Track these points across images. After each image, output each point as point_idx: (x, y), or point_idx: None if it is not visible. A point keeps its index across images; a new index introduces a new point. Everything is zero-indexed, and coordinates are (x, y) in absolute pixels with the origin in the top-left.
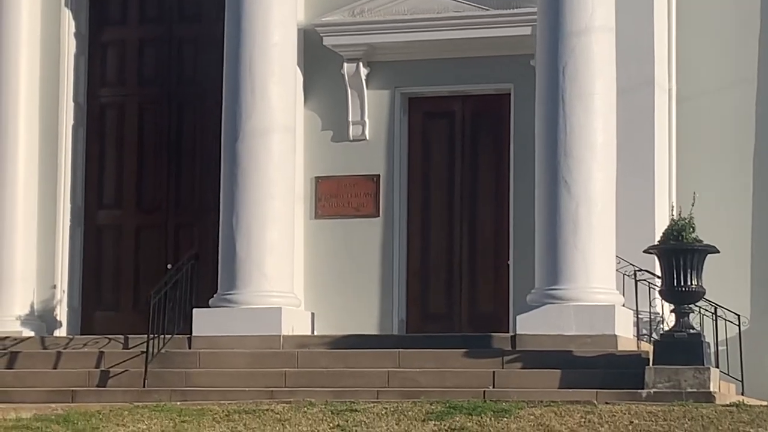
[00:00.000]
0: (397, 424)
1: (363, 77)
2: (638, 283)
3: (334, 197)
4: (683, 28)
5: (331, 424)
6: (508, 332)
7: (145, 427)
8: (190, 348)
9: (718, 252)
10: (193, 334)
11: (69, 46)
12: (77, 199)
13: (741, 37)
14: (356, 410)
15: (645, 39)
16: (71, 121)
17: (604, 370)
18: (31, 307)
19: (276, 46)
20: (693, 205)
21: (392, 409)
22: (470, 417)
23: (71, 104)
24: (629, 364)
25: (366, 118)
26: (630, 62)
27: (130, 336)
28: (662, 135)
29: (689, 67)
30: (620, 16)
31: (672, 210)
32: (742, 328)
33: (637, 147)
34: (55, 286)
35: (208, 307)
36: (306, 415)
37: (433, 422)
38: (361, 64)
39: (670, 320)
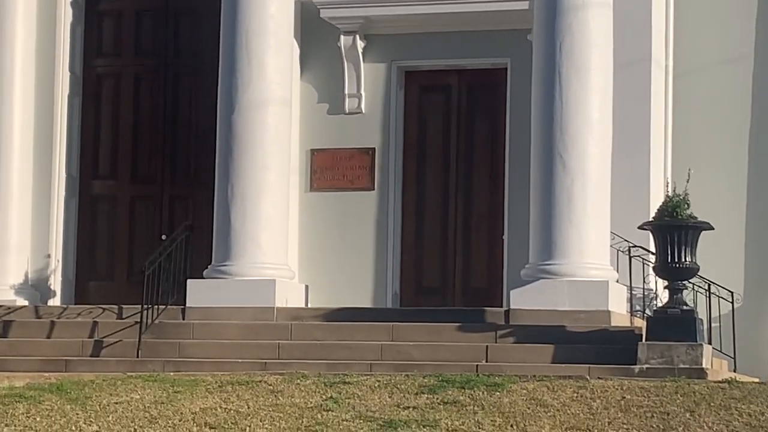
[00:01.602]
0: (389, 397)
1: (360, 50)
2: (632, 259)
3: (329, 170)
4: (681, 3)
5: (323, 396)
6: (501, 307)
7: (138, 396)
8: (183, 319)
9: (713, 229)
10: (187, 305)
11: (65, 15)
12: (72, 170)
13: (738, 13)
14: (349, 383)
15: (642, 14)
16: (67, 91)
17: (597, 346)
18: (26, 276)
19: (273, 18)
20: (688, 182)
21: (385, 382)
22: (463, 391)
23: (67, 74)
24: (622, 339)
25: (362, 92)
26: (627, 38)
27: (124, 306)
28: (658, 111)
29: (686, 43)
30: None
31: (667, 186)
32: (735, 306)
33: (633, 123)
34: (49, 256)
35: (203, 278)
36: (299, 387)
37: (426, 395)
38: (357, 37)
39: (664, 296)
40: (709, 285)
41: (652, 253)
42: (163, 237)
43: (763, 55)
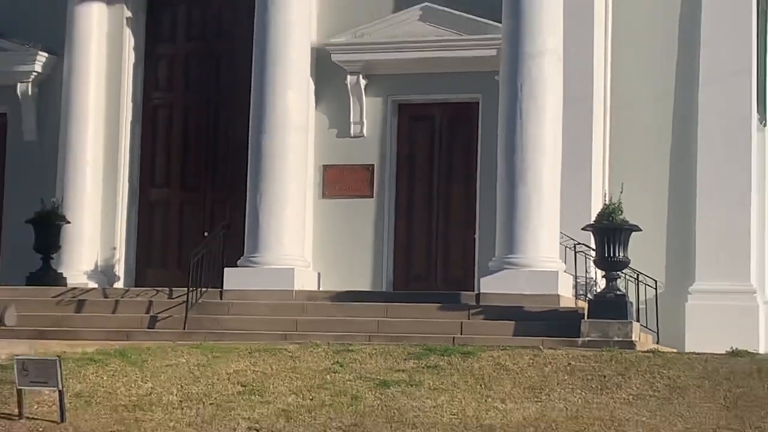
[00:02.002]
0: (384, 362)
1: (362, 87)
2: (577, 254)
3: (338, 182)
4: (617, 51)
5: (331, 361)
6: (473, 291)
7: (184, 360)
8: (221, 299)
9: (641, 230)
10: (224, 288)
11: (129, 57)
12: (133, 180)
13: (662, 60)
14: (352, 350)
15: (586, 60)
16: (129, 118)
17: (549, 322)
18: (95, 264)
19: (294, 61)
20: (621, 193)
21: (381, 350)
22: (442, 357)
23: (130, 104)
24: (568, 318)
25: (364, 120)
26: (574, 79)
27: (174, 288)
28: (598, 138)
29: (621, 83)
30: (567, 41)
31: (605, 197)
32: (658, 291)
33: (579, 147)
34: (114, 248)
35: (236, 266)
36: (312, 354)
37: (413, 361)
38: (360, 77)
39: (602, 284)
40: (637, 275)
41: (593, 249)
42: (206, 234)
43: (681, 94)
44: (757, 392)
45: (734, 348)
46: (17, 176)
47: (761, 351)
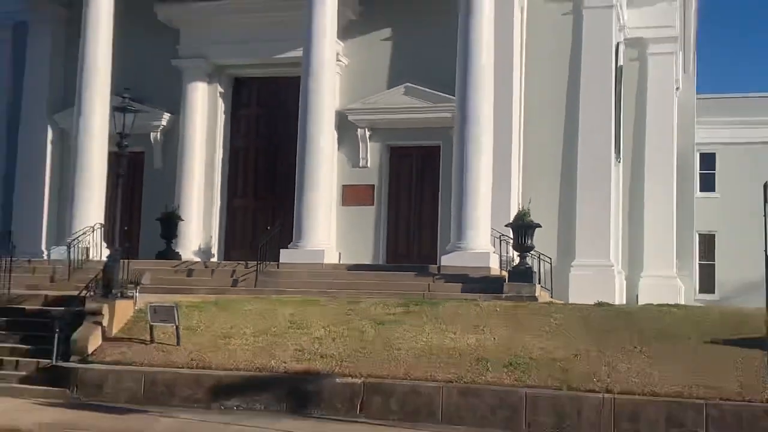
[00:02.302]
0: (380, 309)
1: (367, 136)
2: (501, 241)
3: (352, 195)
4: (527, 112)
5: (347, 309)
6: (436, 264)
7: (254, 307)
8: (278, 269)
9: (541, 227)
10: (280, 261)
11: (221, 114)
12: (223, 194)
13: (556, 117)
14: (359, 302)
15: (507, 118)
16: (221, 155)
17: (484, 284)
18: (199, 246)
19: (324, 120)
20: (529, 203)
21: (379, 302)
22: (417, 306)
23: (221, 146)
24: (496, 281)
25: (368, 157)
26: (499, 130)
27: (249, 262)
28: (515, 167)
29: (529, 133)
30: (495, 105)
31: (519, 206)
32: (552, 265)
33: (502, 174)
34: (211, 236)
35: (288, 248)
36: (335, 304)
37: (399, 308)
38: (366, 129)
39: (517, 261)
40: (539, 255)
41: (511, 239)
42: (268, 227)
43: (568, 138)
44: (612, 326)
45: (599, 300)
46: (150, 191)
47: (616, 303)
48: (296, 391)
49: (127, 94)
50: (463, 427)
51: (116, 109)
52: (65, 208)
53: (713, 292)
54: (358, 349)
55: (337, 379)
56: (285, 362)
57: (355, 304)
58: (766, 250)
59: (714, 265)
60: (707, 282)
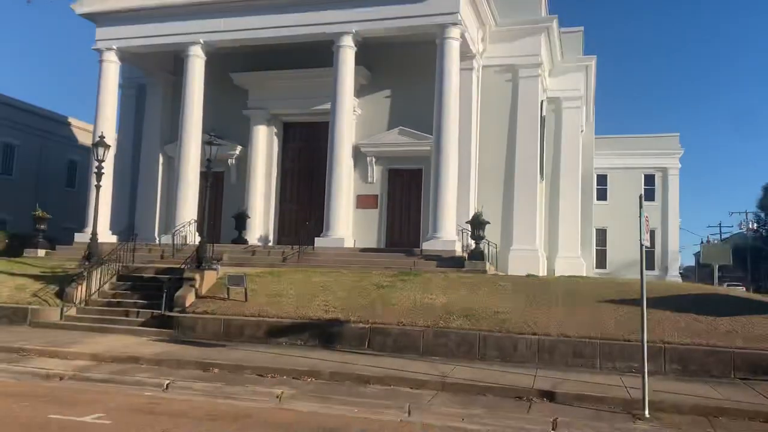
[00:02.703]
0: (382, 277)
1: (374, 162)
2: (463, 233)
3: (363, 201)
4: (481, 143)
5: (359, 277)
6: (419, 248)
7: (297, 277)
8: (313, 251)
9: (489, 223)
10: (315, 245)
11: (275, 148)
12: (277, 199)
13: (501, 148)
14: (368, 273)
15: (467, 147)
16: (275, 173)
17: (451, 262)
18: (260, 235)
19: (345, 151)
20: (482, 207)
21: (380, 273)
22: (406, 276)
23: (275, 168)
24: (459, 260)
25: (374, 175)
26: (462, 156)
27: (293, 246)
28: (473, 182)
29: (483, 158)
30: (460, 139)
31: (475, 209)
32: (497, 249)
33: (464, 185)
34: (269, 228)
35: (320, 237)
36: (351, 274)
37: (393, 277)
38: (373, 158)
39: (473, 246)
40: (488, 242)
41: (470, 231)
42: (307, 223)
43: (508, 164)
44: (537, 290)
45: (528, 273)
46: (228, 197)
47: (540, 275)
48: (325, 333)
49: (213, 133)
50: (437, 357)
51: (205, 143)
52: (171, 208)
53: (605, 268)
54: (366, 305)
55: (352, 325)
56: (317, 313)
57: (364, 274)
58: (641, 240)
59: (606, 250)
60: (601, 261)
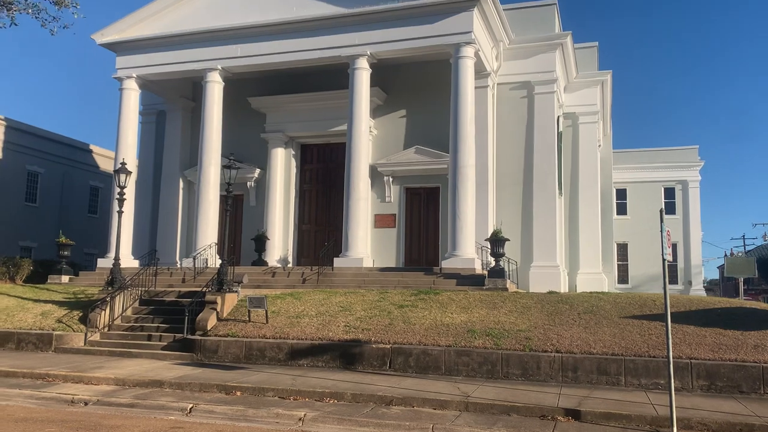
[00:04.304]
0: (401, 297)
1: (391, 181)
2: (483, 250)
3: (381, 221)
4: (498, 161)
5: (378, 297)
6: (438, 267)
7: (317, 297)
8: (332, 271)
9: (509, 240)
10: (334, 266)
11: (292, 169)
12: (296, 221)
13: (518, 164)
14: (387, 292)
15: (484, 166)
16: (293, 194)
17: (471, 280)
18: (280, 257)
19: (362, 171)
20: (501, 224)
21: (399, 292)
22: (426, 295)
23: (293, 189)
24: (479, 278)
25: (391, 195)
26: (479, 174)
27: (312, 266)
28: (491, 199)
29: (501, 176)
30: (477, 157)
31: (494, 226)
32: (518, 266)
33: (482, 203)
34: (288, 250)
35: (339, 257)
36: (370, 293)
37: (413, 296)
38: (390, 177)
39: (493, 263)
40: (508, 259)
41: (489, 248)
42: (326, 243)
43: (526, 180)
44: (558, 307)
45: (549, 290)
46: (247, 220)
47: (561, 291)
48: (346, 353)
49: (231, 157)
50: (460, 377)
51: (224, 167)
52: (191, 232)
53: (627, 283)
54: (386, 324)
55: (373, 345)
56: (337, 334)
57: (384, 294)
58: (663, 254)
59: (627, 264)
60: (623, 276)
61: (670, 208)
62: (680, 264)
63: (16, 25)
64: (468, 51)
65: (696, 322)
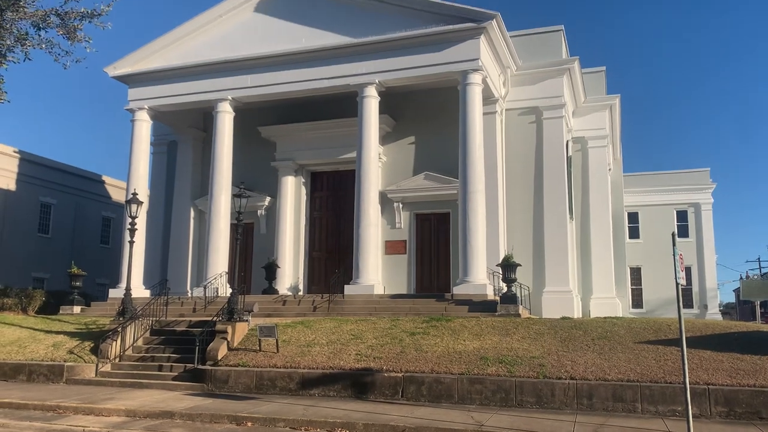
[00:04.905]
0: (412, 324)
1: (400, 207)
2: (494, 275)
3: (392, 247)
4: (508, 188)
5: (390, 325)
6: (450, 293)
7: (327, 325)
8: (343, 298)
9: (521, 265)
10: (344, 293)
11: (303, 197)
12: (306, 249)
13: (528, 192)
14: (399, 319)
15: (494, 192)
16: (303, 222)
17: (483, 306)
18: (290, 285)
19: (371, 198)
20: (512, 249)
21: (411, 319)
22: (438, 321)
23: (304, 217)
24: (491, 304)
25: (401, 220)
26: (489, 200)
27: (323, 294)
28: (501, 225)
29: (510, 202)
30: (486, 184)
31: (505, 251)
32: (530, 291)
33: (493, 229)
34: (299, 278)
35: (350, 284)
36: (382, 321)
37: (425, 323)
38: (400, 203)
39: (505, 289)
40: (520, 284)
41: (501, 274)
42: (336, 271)
43: (535, 208)
44: (572, 333)
45: (563, 315)
46: (258, 248)
47: (574, 317)
48: (357, 382)
49: (242, 185)
50: (473, 405)
51: (235, 196)
52: (202, 261)
53: (642, 308)
54: (398, 352)
55: (385, 374)
56: (349, 362)
57: (395, 321)
58: (676, 278)
59: (641, 288)
60: (637, 300)
61: (682, 231)
62: (695, 288)
63: (30, 60)
64: (476, 78)
65: (712, 346)
